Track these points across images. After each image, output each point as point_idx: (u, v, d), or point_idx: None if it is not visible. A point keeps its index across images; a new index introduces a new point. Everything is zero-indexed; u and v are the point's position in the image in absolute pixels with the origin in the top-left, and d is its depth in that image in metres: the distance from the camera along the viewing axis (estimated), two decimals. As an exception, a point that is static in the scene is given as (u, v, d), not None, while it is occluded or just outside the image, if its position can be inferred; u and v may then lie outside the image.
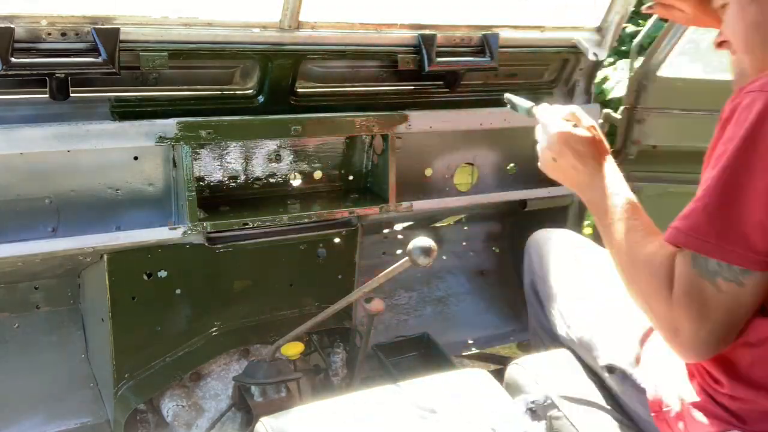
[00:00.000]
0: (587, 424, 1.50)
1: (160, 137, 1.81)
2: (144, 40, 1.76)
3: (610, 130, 2.70)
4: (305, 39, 1.96)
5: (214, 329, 2.09)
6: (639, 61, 2.64)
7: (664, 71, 2.58)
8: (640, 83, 2.57)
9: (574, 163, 1.31)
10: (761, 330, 1.14)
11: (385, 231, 2.54)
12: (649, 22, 2.76)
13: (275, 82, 2.01)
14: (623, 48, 4.40)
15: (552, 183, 2.60)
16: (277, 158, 2.13)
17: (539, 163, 1.39)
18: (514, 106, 1.52)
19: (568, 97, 2.55)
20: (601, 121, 2.53)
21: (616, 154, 2.53)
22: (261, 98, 2.04)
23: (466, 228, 2.81)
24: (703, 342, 1.12)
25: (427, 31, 2.12)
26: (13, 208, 1.77)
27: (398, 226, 2.53)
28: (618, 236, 1.22)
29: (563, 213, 2.67)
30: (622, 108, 2.64)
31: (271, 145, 2.10)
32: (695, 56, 2.63)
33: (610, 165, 1.31)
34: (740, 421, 1.20)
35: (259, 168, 2.11)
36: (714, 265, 1.08)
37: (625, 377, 1.53)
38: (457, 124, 2.26)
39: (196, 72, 1.95)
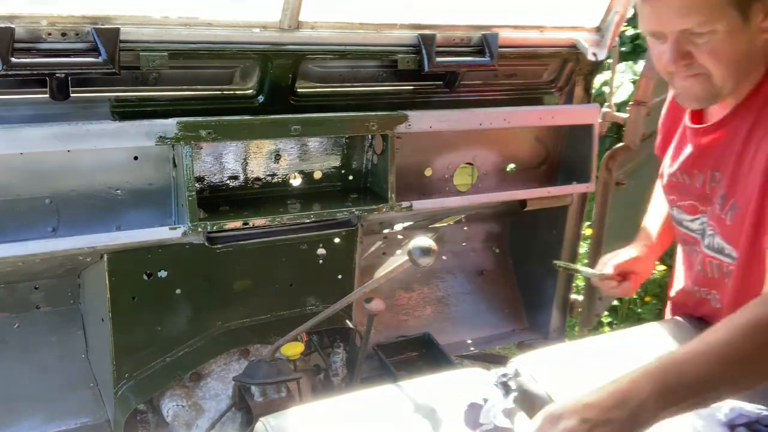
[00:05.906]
0: None
1: (160, 137, 1.80)
2: (144, 40, 1.76)
3: (614, 128, 2.70)
4: (305, 39, 1.96)
5: (214, 329, 2.09)
6: (640, 64, 2.64)
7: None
8: (648, 77, 2.57)
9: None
10: None
11: (385, 231, 2.54)
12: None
13: (275, 82, 2.01)
14: (623, 49, 4.39)
15: (552, 183, 2.61)
16: (277, 158, 2.13)
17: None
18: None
19: (568, 97, 2.55)
20: (600, 120, 2.52)
21: (625, 149, 2.54)
22: (261, 98, 2.04)
23: (466, 228, 2.81)
24: None
25: (426, 31, 2.12)
26: (13, 208, 1.77)
27: (398, 226, 2.52)
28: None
29: (563, 213, 2.67)
30: (631, 103, 2.64)
31: (271, 145, 2.10)
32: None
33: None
34: None
35: (259, 168, 2.11)
36: None
37: None
38: (457, 124, 2.26)
39: (196, 72, 1.95)
